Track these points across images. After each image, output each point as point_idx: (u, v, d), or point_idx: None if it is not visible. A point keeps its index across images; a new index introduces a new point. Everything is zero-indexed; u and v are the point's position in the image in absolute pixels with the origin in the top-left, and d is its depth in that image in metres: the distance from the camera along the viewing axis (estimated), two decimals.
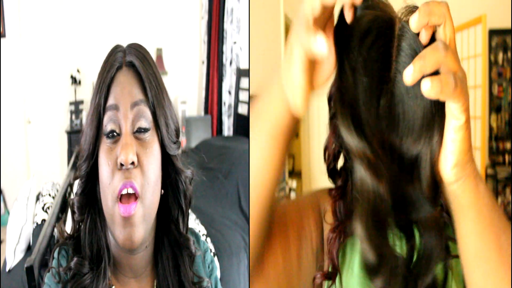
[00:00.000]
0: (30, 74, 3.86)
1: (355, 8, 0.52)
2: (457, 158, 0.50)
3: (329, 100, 0.61)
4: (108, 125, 0.68)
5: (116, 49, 0.72)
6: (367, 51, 0.52)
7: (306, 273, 0.64)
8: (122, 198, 0.66)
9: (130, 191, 0.66)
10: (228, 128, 4.25)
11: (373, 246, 0.53)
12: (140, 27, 4.03)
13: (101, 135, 0.69)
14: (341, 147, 0.58)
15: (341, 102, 0.52)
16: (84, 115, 3.78)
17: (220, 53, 4.24)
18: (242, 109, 3.97)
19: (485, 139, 3.30)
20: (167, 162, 0.73)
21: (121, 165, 0.65)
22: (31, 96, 3.89)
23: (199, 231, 2.19)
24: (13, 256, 2.09)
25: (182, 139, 3.95)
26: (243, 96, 3.95)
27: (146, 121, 0.69)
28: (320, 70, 0.54)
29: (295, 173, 4.40)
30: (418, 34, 0.51)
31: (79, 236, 0.73)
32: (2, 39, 3.67)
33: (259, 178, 0.55)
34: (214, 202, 2.71)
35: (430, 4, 0.48)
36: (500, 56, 3.70)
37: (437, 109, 0.51)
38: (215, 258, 2.11)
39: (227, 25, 4.14)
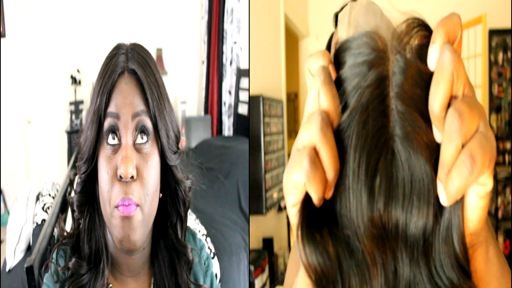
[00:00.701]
0: (30, 74, 3.86)
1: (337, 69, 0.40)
2: (474, 226, 0.39)
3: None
4: (108, 133, 0.67)
5: (117, 49, 0.71)
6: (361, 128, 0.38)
7: None
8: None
9: (128, 204, 0.66)
10: (228, 128, 4.25)
11: None
12: (140, 27, 4.03)
13: (101, 138, 0.68)
14: None
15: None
16: (84, 115, 3.77)
17: (220, 53, 4.24)
18: (242, 109, 3.97)
19: None
20: (167, 172, 0.73)
21: (121, 177, 0.65)
22: (31, 96, 3.88)
23: (199, 231, 2.19)
24: (13, 256, 2.09)
25: (182, 139, 3.94)
26: (243, 96, 3.95)
27: (146, 132, 0.68)
28: None
29: None
30: (419, 54, 0.38)
31: (78, 235, 0.74)
32: (2, 39, 3.67)
33: None
34: (214, 202, 2.70)
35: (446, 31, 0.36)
36: (500, 56, 3.70)
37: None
38: (215, 258, 2.11)
39: (227, 25, 4.14)
